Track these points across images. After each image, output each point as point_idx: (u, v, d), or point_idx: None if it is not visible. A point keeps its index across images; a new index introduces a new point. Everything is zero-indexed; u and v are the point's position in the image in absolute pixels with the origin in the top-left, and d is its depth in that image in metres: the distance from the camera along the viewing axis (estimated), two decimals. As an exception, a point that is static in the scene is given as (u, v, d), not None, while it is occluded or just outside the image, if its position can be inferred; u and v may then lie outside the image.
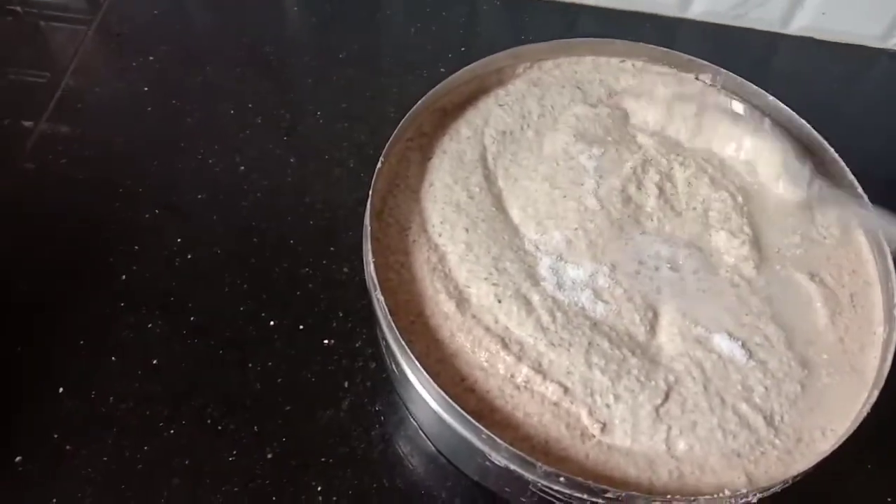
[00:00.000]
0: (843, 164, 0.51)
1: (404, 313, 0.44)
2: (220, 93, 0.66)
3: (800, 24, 0.75)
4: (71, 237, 0.57)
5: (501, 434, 0.39)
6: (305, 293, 0.55)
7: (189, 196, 0.60)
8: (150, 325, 0.53)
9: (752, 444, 0.42)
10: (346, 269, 0.56)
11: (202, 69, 0.68)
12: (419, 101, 0.51)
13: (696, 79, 0.56)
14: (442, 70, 0.67)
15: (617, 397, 0.42)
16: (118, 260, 0.56)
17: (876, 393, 0.42)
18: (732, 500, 0.39)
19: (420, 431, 0.50)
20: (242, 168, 0.61)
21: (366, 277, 0.45)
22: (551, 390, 0.42)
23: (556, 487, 0.39)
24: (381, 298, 0.42)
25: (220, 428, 0.49)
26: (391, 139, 0.49)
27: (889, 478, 0.51)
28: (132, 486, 0.47)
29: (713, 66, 0.56)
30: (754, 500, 0.39)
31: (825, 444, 0.42)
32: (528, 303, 0.44)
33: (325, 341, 0.53)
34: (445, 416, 0.41)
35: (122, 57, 0.69)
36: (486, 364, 0.43)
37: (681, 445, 0.41)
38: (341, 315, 0.54)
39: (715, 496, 0.39)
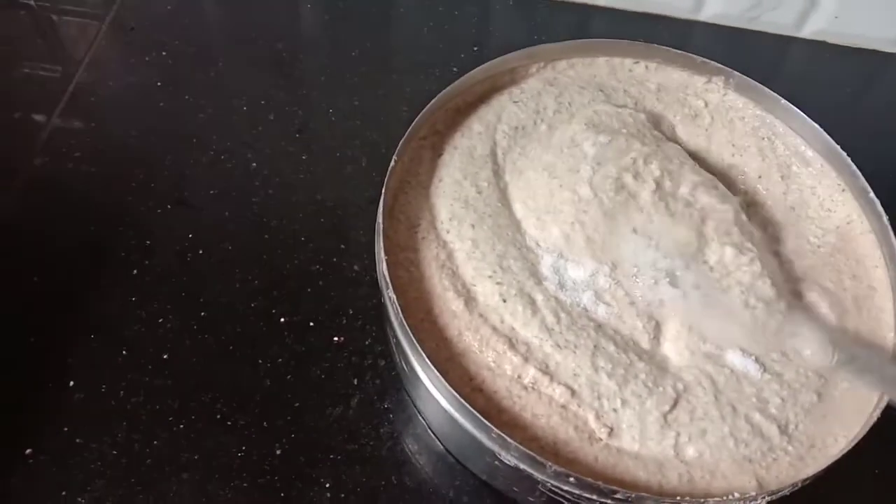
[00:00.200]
0: (855, 167, 0.51)
1: (414, 311, 0.44)
2: (233, 89, 0.67)
3: (813, 28, 0.74)
4: (83, 231, 0.58)
5: (509, 435, 0.39)
6: (316, 290, 0.55)
7: (201, 192, 0.60)
8: (161, 320, 0.53)
9: (765, 451, 0.42)
10: (356, 267, 0.56)
11: (215, 65, 0.68)
12: (433, 100, 0.51)
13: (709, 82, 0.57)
14: (454, 69, 0.67)
15: (624, 402, 0.42)
16: (130, 254, 0.56)
17: (886, 398, 0.42)
18: (742, 503, 0.39)
19: (429, 430, 0.50)
20: (255, 164, 0.62)
21: (377, 276, 0.45)
22: (559, 392, 0.42)
23: (565, 488, 0.39)
24: (394, 297, 0.42)
25: (229, 423, 0.49)
26: (405, 138, 0.49)
27: (898, 483, 0.51)
28: (142, 480, 0.47)
29: (726, 68, 0.56)
30: (763, 504, 0.39)
31: (837, 449, 0.42)
32: (532, 303, 0.44)
33: (335, 338, 0.53)
34: (455, 414, 0.41)
35: (135, 52, 0.69)
36: (493, 364, 0.43)
37: (690, 451, 0.41)
38: (351, 312, 0.54)
39: (724, 499, 0.39)
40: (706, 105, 0.56)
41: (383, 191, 0.46)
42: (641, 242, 0.47)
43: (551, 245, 0.47)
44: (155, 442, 0.48)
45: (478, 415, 0.39)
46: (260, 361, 0.52)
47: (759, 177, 0.53)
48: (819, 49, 0.75)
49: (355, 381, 0.51)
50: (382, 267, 0.44)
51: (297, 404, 0.50)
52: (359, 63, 0.70)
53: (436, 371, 0.40)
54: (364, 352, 0.52)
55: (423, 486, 0.48)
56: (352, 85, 0.68)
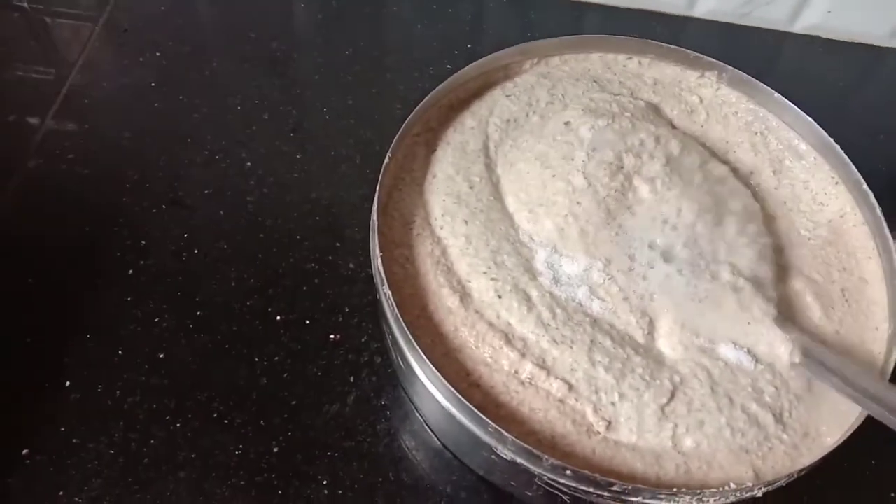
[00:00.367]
0: (849, 161, 0.51)
1: (410, 308, 0.44)
2: (227, 88, 0.67)
3: (806, 23, 0.75)
4: (78, 231, 0.57)
5: (507, 429, 0.39)
6: (311, 288, 0.55)
7: (196, 191, 0.60)
8: (156, 319, 0.53)
9: (760, 441, 0.42)
10: (351, 265, 0.56)
11: (209, 65, 0.68)
12: (427, 97, 0.51)
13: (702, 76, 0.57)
14: (448, 67, 0.67)
15: (622, 395, 0.42)
16: (125, 254, 0.56)
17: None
18: (738, 494, 0.39)
19: (425, 426, 0.50)
20: (249, 164, 0.62)
21: (373, 272, 0.45)
22: (556, 387, 0.42)
23: (562, 481, 0.39)
24: (389, 293, 0.42)
25: (226, 421, 0.49)
26: (398, 135, 0.49)
27: (893, 473, 0.51)
28: (139, 480, 0.47)
29: (719, 63, 0.56)
30: (759, 494, 0.39)
31: (831, 438, 0.42)
32: (527, 298, 0.44)
33: (331, 336, 0.53)
34: (452, 409, 0.41)
35: (129, 52, 0.69)
36: (490, 360, 0.43)
37: (687, 442, 0.41)
38: (347, 310, 0.54)
39: (720, 489, 0.39)
40: (701, 101, 0.56)
41: (377, 188, 0.46)
42: (639, 225, 0.47)
43: (545, 239, 0.47)
44: (152, 441, 0.48)
45: (474, 409, 0.39)
46: (256, 360, 0.52)
47: (751, 172, 0.54)
48: (812, 44, 0.75)
49: (352, 379, 0.51)
50: (377, 263, 0.44)
51: (293, 402, 0.50)
52: (352, 62, 0.70)
53: (432, 367, 0.40)
54: (360, 349, 0.52)
55: (420, 482, 0.48)
56: (346, 83, 0.68)
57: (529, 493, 0.43)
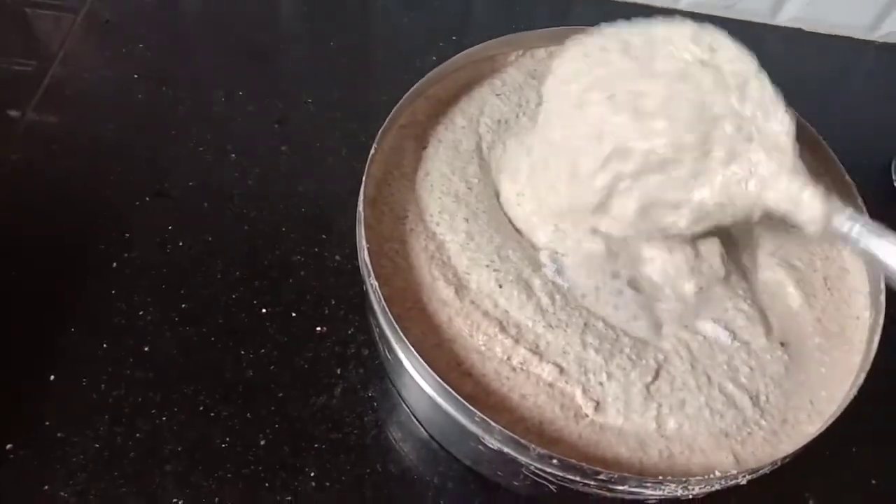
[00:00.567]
0: (831, 152, 0.52)
1: (400, 300, 0.44)
2: (211, 81, 0.66)
3: (788, 16, 0.75)
4: (61, 224, 0.57)
5: (496, 417, 0.39)
6: (298, 281, 0.55)
7: (180, 184, 0.59)
8: (141, 312, 0.53)
9: (739, 425, 0.42)
10: (338, 258, 0.56)
11: (193, 57, 0.68)
12: (412, 87, 0.51)
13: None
14: (434, 59, 0.66)
15: (609, 375, 0.42)
16: (109, 247, 0.56)
17: (863, 376, 0.43)
18: (723, 482, 0.39)
19: (412, 417, 0.50)
20: (234, 156, 0.61)
21: (359, 263, 0.45)
22: (547, 371, 0.42)
23: (548, 470, 0.39)
24: (375, 284, 0.42)
25: (212, 414, 0.49)
26: (384, 125, 0.49)
27: (874, 460, 0.52)
28: (125, 473, 0.47)
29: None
30: (744, 482, 0.40)
31: (810, 425, 0.43)
32: (528, 287, 0.45)
33: (318, 328, 0.53)
34: (439, 399, 0.41)
35: (111, 44, 0.69)
36: (483, 347, 0.43)
37: (670, 424, 0.42)
38: (334, 302, 0.54)
39: (705, 477, 0.39)
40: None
41: (364, 179, 0.46)
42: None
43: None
44: (137, 434, 0.48)
45: (460, 399, 0.39)
46: (242, 352, 0.52)
47: None
48: (794, 36, 0.76)
49: (339, 371, 0.51)
50: (364, 255, 0.44)
51: (280, 394, 0.50)
52: (338, 54, 0.69)
53: (419, 357, 0.40)
54: (347, 341, 0.52)
55: (407, 473, 0.49)
56: (331, 76, 0.68)
57: (516, 483, 0.44)
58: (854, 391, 0.42)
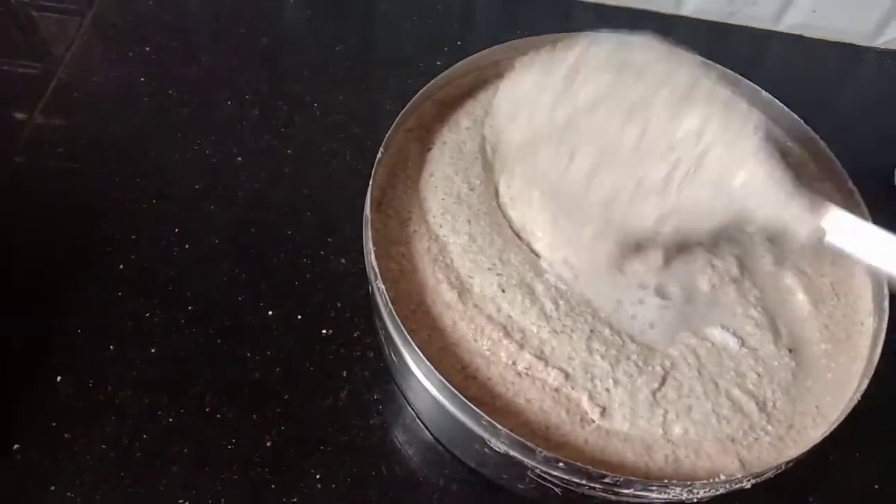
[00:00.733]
0: (833, 157, 0.52)
1: (405, 302, 0.44)
2: (217, 83, 0.66)
3: (791, 22, 0.76)
4: (68, 227, 0.57)
5: (502, 421, 0.39)
6: (303, 283, 0.55)
7: (186, 186, 0.60)
8: (147, 314, 0.53)
9: (746, 430, 0.42)
10: (343, 260, 0.57)
11: (199, 60, 0.68)
12: (420, 91, 0.51)
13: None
14: (438, 63, 0.67)
15: (616, 381, 0.42)
16: (116, 249, 0.56)
17: (866, 382, 0.43)
18: (728, 486, 0.39)
19: (417, 420, 0.50)
20: (240, 159, 0.62)
21: (366, 266, 0.45)
22: (553, 376, 0.42)
23: (554, 473, 0.39)
24: (382, 287, 0.43)
25: (218, 416, 0.49)
26: (391, 129, 0.49)
27: (877, 465, 0.52)
28: (130, 474, 0.47)
29: (709, 61, 0.56)
30: (748, 486, 0.40)
31: (816, 431, 0.43)
32: (531, 292, 0.45)
33: (324, 331, 0.53)
34: (446, 402, 0.41)
35: (117, 47, 0.69)
36: (487, 352, 0.43)
37: (676, 429, 0.42)
38: (339, 305, 0.54)
39: (710, 481, 0.39)
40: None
41: (370, 182, 0.47)
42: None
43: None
44: (144, 436, 0.48)
45: (467, 402, 0.39)
46: (248, 354, 0.52)
47: None
48: (797, 43, 0.76)
49: (344, 374, 0.52)
50: (371, 258, 0.44)
51: (286, 396, 0.50)
52: (343, 57, 0.70)
53: (425, 359, 0.40)
54: (352, 344, 0.53)
55: (412, 475, 0.49)
56: (336, 79, 0.68)
57: (521, 486, 0.44)
58: (858, 396, 0.42)
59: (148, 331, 0.52)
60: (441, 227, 0.48)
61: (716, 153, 0.40)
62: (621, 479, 0.38)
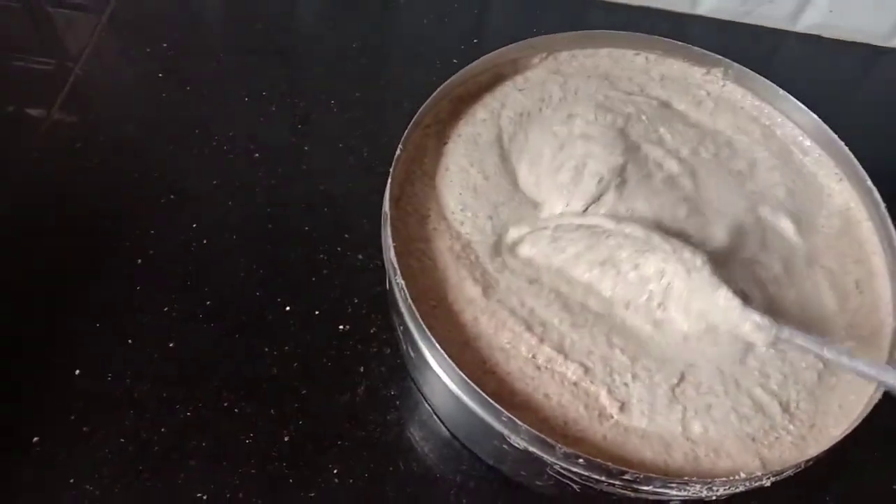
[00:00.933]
0: (852, 156, 0.52)
1: (425, 298, 0.45)
2: (234, 80, 0.67)
3: (808, 22, 0.75)
4: (86, 222, 0.57)
5: (521, 416, 0.39)
6: (320, 279, 0.55)
7: (204, 182, 0.60)
8: (166, 309, 0.53)
9: (767, 429, 0.42)
10: (360, 256, 0.57)
11: (216, 56, 0.69)
12: (438, 89, 0.51)
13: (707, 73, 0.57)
14: (455, 61, 0.67)
15: (635, 376, 0.43)
16: (133, 245, 0.56)
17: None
18: (748, 483, 0.39)
19: (434, 416, 0.50)
20: (257, 155, 0.62)
21: (385, 262, 0.45)
22: (572, 370, 0.43)
23: (574, 469, 0.39)
24: (402, 282, 0.43)
25: (236, 410, 0.49)
26: (410, 126, 0.49)
27: (896, 465, 0.52)
28: (149, 468, 0.47)
29: (726, 60, 0.57)
30: (768, 484, 0.40)
31: (837, 429, 0.43)
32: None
33: (341, 327, 0.53)
34: (465, 398, 0.41)
35: (135, 44, 0.69)
36: (508, 345, 0.43)
37: (696, 427, 0.42)
38: (356, 301, 0.54)
39: (730, 479, 0.39)
40: (708, 94, 0.57)
41: (389, 179, 0.47)
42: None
43: None
44: (162, 429, 0.48)
45: (487, 397, 0.39)
46: (266, 349, 0.52)
47: (760, 158, 0.54)
48: (813, 43, 0.76)
49: (361, 369, 0.52)
50: (390, 254, 0.44)
51: (303, 391, 0.50)
52: (359, 55, 0.70)
53: (445, 355, 0.41)
54: (369, 340, 0.53)
55: (429, 471, 0.49)
56: (352, 76, 0.68)
57: (539, 483, 0.44)
58: (878, 395, 0.42)
59: (166, 326, 0.52)
60: (462, 224, 0.48)
61: (677, 285, 0.44)
62: (641, 476, 0.38)
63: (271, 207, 0.59)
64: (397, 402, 0.51)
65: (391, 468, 0.48)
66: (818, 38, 0.76)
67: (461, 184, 0.49)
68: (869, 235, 0.51)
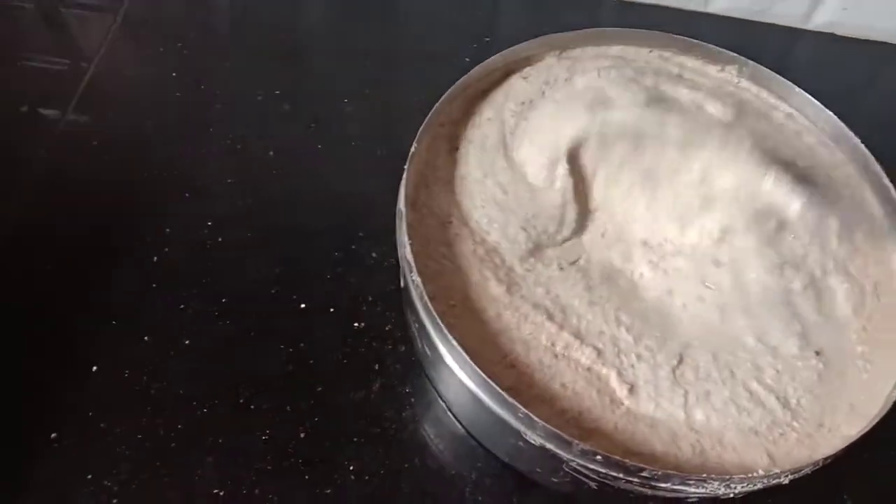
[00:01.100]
0: (868, 154, 0.52)
1: (444, 297, 0.44)
2: (248, 79, 0.67)
3: (821, 20, 0.75)
4: (102, 219, 0.58)
5: (537, 410, 0.39)
6: (335, 277, 0.56)
7: (218, 180, 0.60)
8: (182, 307, 0.53)
9: (769, 424, 0.42)
10: (374, 255, 0.57)
11: (230, 56, 0.69)
12: (451, 88, 0.51)
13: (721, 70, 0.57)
14: (466, 60, 0.67)
15: (639, 356, 0.43)
16: (149, 242, 0.56)
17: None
18: (766, 481, 0.39)
19: (449, 413, 0.50)
20: (271, 153, 0.62)
21: (400, 260, 0.45)
22: (586, 354, 0.43)
23: (591, 466, 0.39)
24: (418, 279, 0.43)
25: (252, 407, 0.50)
26: (424, 124, 0.49)
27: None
28: (166, 464, 0.47)
29: (741, 58, 0.56)
30: (786, 481, 0.40)
31: (851, 428, 0.43)
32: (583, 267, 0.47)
33: (356, 324, 0.53)
34: (482, 395, 0.41)
35: (150, 43, 0.70)
36: (529, 336, 0.44)
37: (698, 415, 0.42)
38: (371, 299, 0.55)
39: (748, 476, 0.39)
40: (724, 89, 0.57)
41: (404, 176, 0.47)
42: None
43: None
44: (179, 426, 0.49)
45: (503, 393, 0.39)
46: (281, 347, 0.52)
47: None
48: (827, 41, 0.76)
49: (376, 367, 0.52)
50: (406, 252, 0.44)
51: (319, 388, 0.51)
52: (370, 54, 0.70)
53: (462, 351, 0.41)
54: (384, 337, 0.53)
55: (444, 468, 0.49)
56: (364, 76, 0.68)
57: (555, 480, 0.44)
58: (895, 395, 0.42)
59: (182, 323, 0.53)
60: (489, 234, 0.47)
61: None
62: (659, 473, 0.38)
63: (286, 206, 0.59)
64: (412, 400, 0.51)
65: (406, 465, 0.48)
66: (832, 35, 0.76)
67: (481, 196, 0.49)
68: (888, 234, 0.50)
